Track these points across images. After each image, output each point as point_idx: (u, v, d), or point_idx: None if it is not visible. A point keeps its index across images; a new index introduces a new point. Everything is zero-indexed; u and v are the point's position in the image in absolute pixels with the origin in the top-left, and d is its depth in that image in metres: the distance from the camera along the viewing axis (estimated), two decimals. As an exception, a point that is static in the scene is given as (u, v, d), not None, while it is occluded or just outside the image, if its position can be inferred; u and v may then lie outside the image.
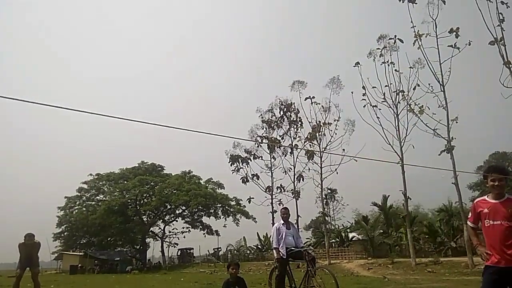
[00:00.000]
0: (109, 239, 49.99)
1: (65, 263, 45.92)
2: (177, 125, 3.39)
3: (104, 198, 50.27)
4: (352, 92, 26.45)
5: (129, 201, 48.47)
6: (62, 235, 49.22)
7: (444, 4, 21.13)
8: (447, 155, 20.79)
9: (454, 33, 20.56)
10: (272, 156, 35.12)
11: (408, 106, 23.38)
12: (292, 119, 34.27)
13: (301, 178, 33.20)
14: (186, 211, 49.52)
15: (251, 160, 35.73)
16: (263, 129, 35.35)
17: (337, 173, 29.94)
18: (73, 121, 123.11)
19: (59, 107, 2.75)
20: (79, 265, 41.73)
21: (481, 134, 76.54)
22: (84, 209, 49.58)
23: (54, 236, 48.51)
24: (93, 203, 50.51)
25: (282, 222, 8.26)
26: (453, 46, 20.62)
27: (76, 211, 49.69)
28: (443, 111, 21.19)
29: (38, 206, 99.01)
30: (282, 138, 34.59)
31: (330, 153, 29.53)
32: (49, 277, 25.40)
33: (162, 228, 52.56)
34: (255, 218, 46.93)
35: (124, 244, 52.40)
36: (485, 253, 3.93)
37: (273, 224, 28.78)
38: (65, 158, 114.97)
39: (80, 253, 46.46)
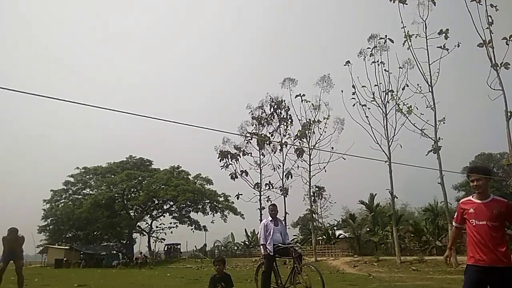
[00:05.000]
0: (95, 233, 49.63)
1: (50, 257, 45.38)
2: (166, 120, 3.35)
3: (90, 192, 49.84)
4: (342, 91, 26.62)
5: (116, 195, 48.11)
6: (48, 228, 48.71)
7: (434, 5, 21.34)
8: (434, 155, 21.07)
9: (444, 34, 20.77)
10: (261, 153, 35.17)
11: (396, 106, 23.61)
12: (282, 116, 34.35)
13: (290, 176, 33.33)
14: (174, 206, 49.35)
15: (240, 157, 35.74)
16: (253, 125, 35.38)
17: (325, 171, 30.22)
18: (59, 114, 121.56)
19: (53, 98, 2.71)
20: (64, 259, 41.30)
21: (468, 135, 77.66)
22: (70, 202, 49.10)
23: (39, 229, 48.01)
24: (80, 196, 50.05)
25: (270, 218, 8.24)
26: (442, 47, 20.86)
27: (62, 204, 49.18)
28: (431, 111, 21.48)
29: (24, 199, 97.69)
30: (272, 135, 34.65)
31: (319, 150, 29.74)
32: (33, 271, 25.09)
33: (149, 223, 52.37)
34: (243, 215, 47.07)
35: (111, 239, 52.07)
36: (447, 257, 4.41)
37: (261, 220, 28.85)
38: (52, 151, 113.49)
39: (66, 247, 45.94)
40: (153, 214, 51.64)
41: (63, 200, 49.76)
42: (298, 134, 32.02)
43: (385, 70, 24.36)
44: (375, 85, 24.61)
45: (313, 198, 33.18)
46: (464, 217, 4.06)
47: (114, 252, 47.72)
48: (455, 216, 4.36)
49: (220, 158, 35.98)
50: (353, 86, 25.18)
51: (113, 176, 48.73)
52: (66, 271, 28.98)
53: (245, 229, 47.85)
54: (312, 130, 30.95)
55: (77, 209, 46.31)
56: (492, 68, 17.98)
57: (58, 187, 49.51)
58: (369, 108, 24.80)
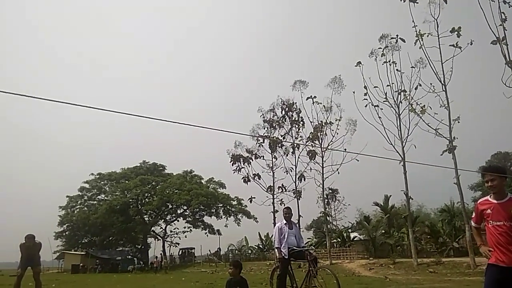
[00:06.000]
0: (110, 238, 50.14)
1: (67, 262, 46.03)
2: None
3: (105, 198, 50.44)
4: (353, 92, 26.32)
5: (130, 200, 48.56)
6: (64, 234, 49.44)
7: (446, 3, 21.02)
8: (449, 155, 20.72)
9: (456, 32, 20.45)
10: (273, 156, 35.06)
11: (409, 105, 23.30)
12: (293, 118, 34.20)
13: (303, 178, 33.13)
14: (187, 210, 49.58)
15: (252, 160, 35.63)
16: (264, 128, 35.29)
17: (338, 173, 29.95)
18: (74, 120, 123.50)
19: (59, 102, 2.74)
20: (81, 264, 41.83)
21: (483, 134, 76.49)
22: (85, 208, 49.75)
23: (55, 235, 48.79)
24: (95, 202, 50.69)
25: (284, 221, 8.21)
26: (455, 45, 20.52)
27: (78, 210, 49.86)
28: (445, 110, 21.11)
29: (40, 205, 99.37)
30: (284, 138, 34.53)
31: (332, 149, 29.44)
32: (50, 276, 25.45)
33: (164, 228, 52.71)
34: (256, 218, 47.09)
35: (126, 244, 52.58)
36: (488, 250, 3.93)
37: (274, 224, 28.85)
38: (67, 158, 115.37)
39: (82, 253, 46.57)
40: (167, 218, 51.99)
41: (78, 206, 50.46)
42: (310, 136, 31.87)
43: (397, 70, 24.06)
44: (387, 85, 24.32)
45: (326, 200, 32.97)
46: (483, 217, 4.00)
47: (130, 257, 48.16)
48: (473, 216, 4.29)
49: (232, 162, 35.99)
50: (365, 87, 24.93)
51: (127, 181, 49.25)
52: (82, 277, 29.35)
53: (259, 232, 47.77)
54: (324, 132, 30.79)
55: (92, 214, 46.88)
56: (507, 65, 17.62)
57: (73, 193, 50.29)
58: (382, 109, 24.49)
